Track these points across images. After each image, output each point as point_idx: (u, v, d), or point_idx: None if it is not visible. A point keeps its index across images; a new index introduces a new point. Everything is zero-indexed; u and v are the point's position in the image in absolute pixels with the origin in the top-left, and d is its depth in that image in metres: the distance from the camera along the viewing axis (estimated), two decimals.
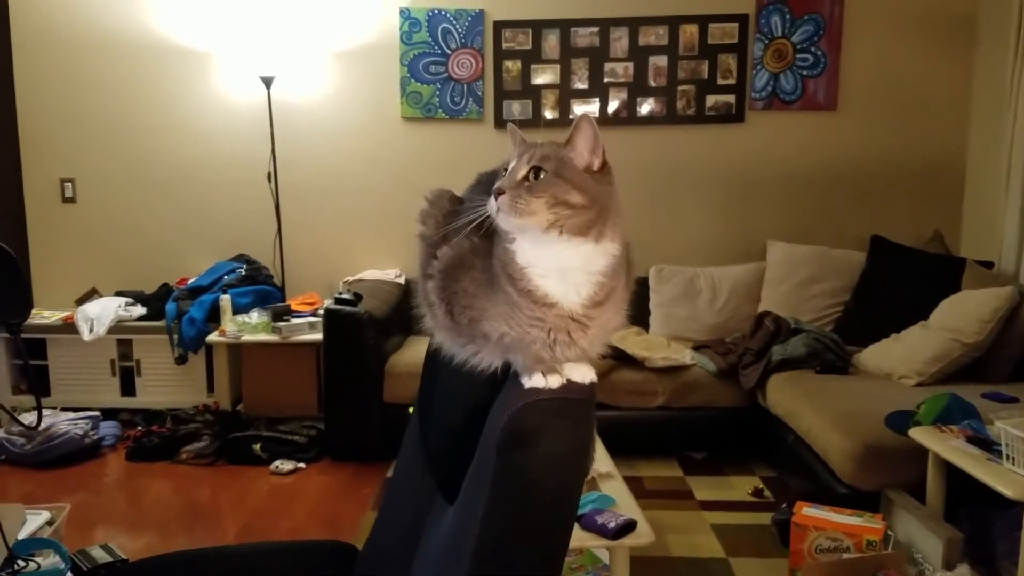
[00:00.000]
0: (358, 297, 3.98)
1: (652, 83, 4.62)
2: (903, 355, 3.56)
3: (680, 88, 4.62)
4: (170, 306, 4.36)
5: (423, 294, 1.15)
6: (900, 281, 4.13)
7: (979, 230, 4.42)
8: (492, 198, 1.00)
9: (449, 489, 1.20)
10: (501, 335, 1.04)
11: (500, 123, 4.63)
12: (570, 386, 1.02)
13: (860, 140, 4.63)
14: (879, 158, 4.63)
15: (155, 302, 4.51)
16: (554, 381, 1.01)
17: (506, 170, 1.03)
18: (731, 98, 4.63)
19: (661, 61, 4.60)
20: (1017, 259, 3.86)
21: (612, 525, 2.26)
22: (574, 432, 0.97)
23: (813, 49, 4.56)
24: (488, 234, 1.06)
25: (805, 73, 4.58)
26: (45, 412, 3.95)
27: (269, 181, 4.62)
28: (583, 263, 1.00)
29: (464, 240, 1.08)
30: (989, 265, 3.99)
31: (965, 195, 4.60)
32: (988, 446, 2.48)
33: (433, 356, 1.27)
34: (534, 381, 1.01)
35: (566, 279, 1.00)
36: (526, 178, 0.99)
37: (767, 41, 4.57)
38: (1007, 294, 3.36)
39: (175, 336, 4.31)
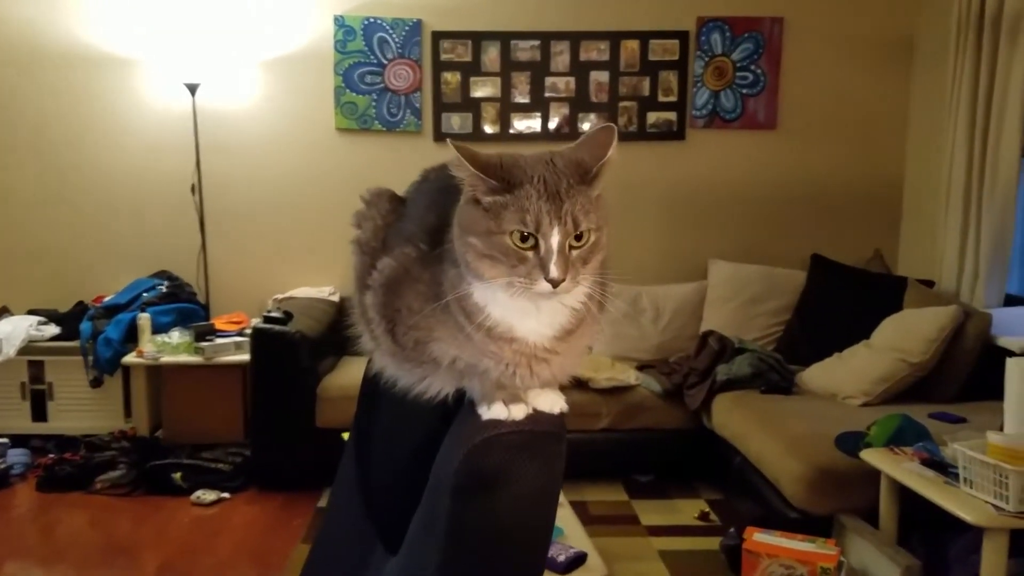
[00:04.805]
0: (289, 316, 3.84)
1: (594, 99, 4.55)
2: (848, 375, 3.53)
3: (622, 104, 4.56)
4: (85, 325, 4.16)
5: (359, 309, 1.00)
6: (841, 300, 4.13)
7: (918, 249, 4.45)
8: (541, 284, 0.83)
9: (391, 537, 1.04)
10: (453, 359, 0.89)
11: (439, 136, 4.50)
12: (537, 416, 0.87)
13: (799, 159, 4.64)
14: (818, 177, 4.64)
15: (69, 321, 4.30)
16: (518, 411, 0.87)
17: (526, 237, 0.83)
18: (672, 115, 4.59)
19: (602, 77, 4.54)
20: (958, 278, 3.88)
21: (562, 559, 2.13)
22: (544, 471, 0.83)
23: (753, 68, 4.55)
24: (438, 240, 0.91)
25: (745, 92, 4.57)
26: None
27: (193, 193, 4.43)
28: (567, 299, 0.87)
29: (409, 248, 0.94)
30: (930, 284, 4.00)
31: (903, 214, 4.63)
32: (943, 469, 2.43)
33: (372, 381, 1.11)
34: (494, 412, 0.86)
35: (540, 316, 0.87)
36: (570, 246, 0.84)
37: (707, 59, 4.54)
38: (952, 313, 3.35)
39: (90, 357, 4.11)
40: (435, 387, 0.94)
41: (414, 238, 0.94)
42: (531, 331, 0.87)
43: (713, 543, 3.14)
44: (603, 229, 0.86)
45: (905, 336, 3.44)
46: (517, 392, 0.89)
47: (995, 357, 3.15)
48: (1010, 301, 3.76)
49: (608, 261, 0.89)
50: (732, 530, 3.02)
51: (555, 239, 0.83)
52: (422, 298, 0.90)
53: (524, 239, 0.83)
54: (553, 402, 0.90)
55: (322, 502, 3.59)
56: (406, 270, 0.92)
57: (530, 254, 0.83)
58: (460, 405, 0.93)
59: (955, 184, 3.90)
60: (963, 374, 3.38)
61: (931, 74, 4.31)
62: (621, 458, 3.82)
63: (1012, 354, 2.95)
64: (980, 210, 3.77)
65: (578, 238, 0.84)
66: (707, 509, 3.52)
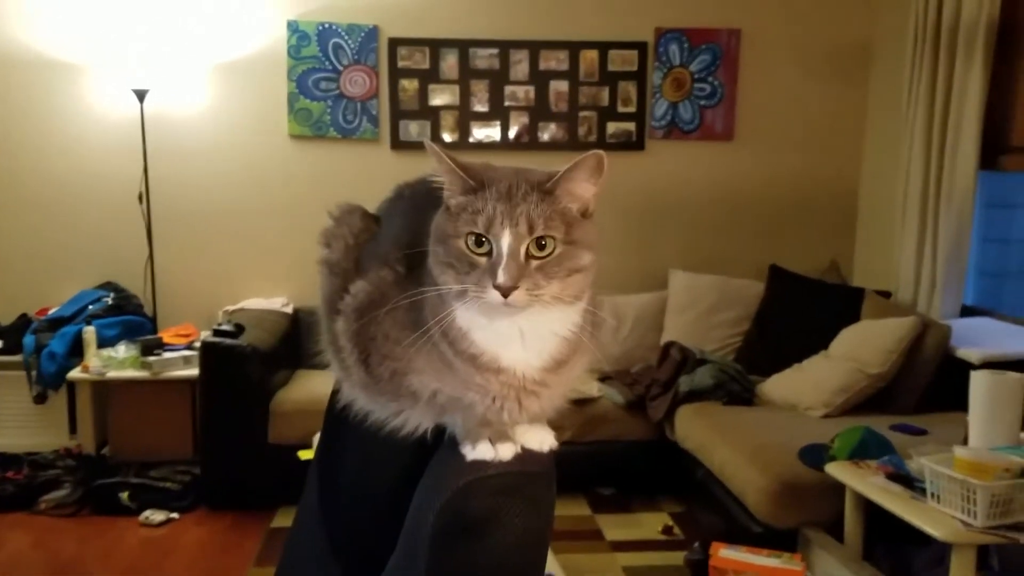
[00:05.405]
0: (240, 328, 3.75)
1: (553, 108, 4.51)
2: (808, 386, 3.52)
3: (581, 114, 4.53)
4: (28, 339, 4.03)
5: (328, 335, 0.93)
6: (799, 311, 4.13)
7: (874, 259, 4.49)
8: (491, 292, 0.77)
9: None
10: (434, 392, 0.83)
11: (397, 144, 4.42)
12: (525, 455, 0.81)
13: (757, 170, 4.65)
14: (775, 188, 4.66)
15: (12, 334, 4.16)
16: (506, 451, 0.80)
17: (480, 242, 0.78)
18: (631, 126, 4.57)
19: (562, 86, 4.50)
20: (915, 288, 3.90)
21: None
22: (533, 514, 0.77)
23: (710, 79, 4.56)
24: (417, 262, 0.85)
25: (703, 103, 4.57)
26: None
27: (140, 202, 4.28)
28: (553, 325, 0.81)
29: (385, 271, 0.87)
30: (886, 294, 4.03)
31: (859, 224, 4.67)
32: (909, 482, 2.42)
33: (340, 412, 1.04)
34: (479, 451, 0.80)
35: (525, 343, 0.81)
36: (529, 254, 0.79)
37: (666, 70, 4.54)
38: (911, 324, 3.36)
39: (33, 372, 3.98)
40: (412, 422, 0.87)
41: (390, 260, 0.87)
42: (518, 360, 0.80)
43: (677, 558, 3.11)
44: (586, 250, 0.82)
45: (863, 347, 3.45)
46: (504, 429, 0.82)
47: (954, 368, 3.18)
48: (966, 312, 3.80)
49: (595, 287, 0.84)
50: (696, 545, 2.99)
51: (506, 241, 0.77)
52: (400, 325, 0.84)
53: (479, 243, 0.78)
54: (542, 439, 0.85)
55: (275, 522, 3.49)
56: (383, 295, 0.85)
57: (483, 260, 0.78)
58: (439, 441, 0.87)
59: (911, 194, 3.93)
60: (922, 385, 3.39)
61: (888, 85, 4.35)
62: (584, 471, 3.75)
63: (972, 366, 2.96)
64: (937, 220, 3.80)
65: (541, 248, 0.78)
66: (671, 523, 3.49)
